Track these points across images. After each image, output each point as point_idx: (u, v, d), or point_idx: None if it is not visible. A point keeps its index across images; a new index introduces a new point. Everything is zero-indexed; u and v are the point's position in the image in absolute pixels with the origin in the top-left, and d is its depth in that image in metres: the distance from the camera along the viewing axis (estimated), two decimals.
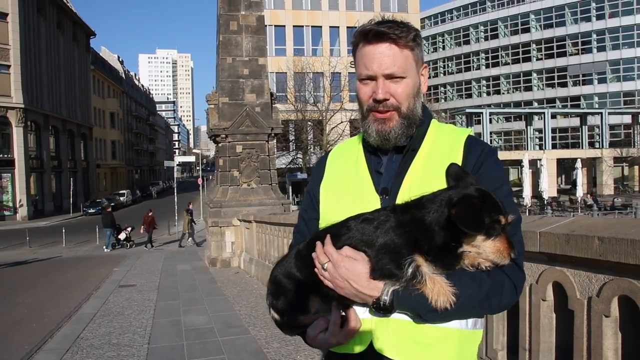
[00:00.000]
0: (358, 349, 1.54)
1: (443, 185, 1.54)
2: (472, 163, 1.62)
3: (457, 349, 1.52)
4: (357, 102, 1.76)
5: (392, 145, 1.68)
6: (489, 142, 52.23)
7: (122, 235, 25.61)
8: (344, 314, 1.52)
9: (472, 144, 1.66)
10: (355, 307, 1.52)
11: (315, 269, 1.50)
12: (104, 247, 24.46)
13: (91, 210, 47.54)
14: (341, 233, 1.50)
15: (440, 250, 1.39)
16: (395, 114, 1.65)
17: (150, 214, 25.93)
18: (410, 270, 1.38)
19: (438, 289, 1.37)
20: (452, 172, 1.56)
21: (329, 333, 1.50)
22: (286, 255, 1.69)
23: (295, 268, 1.58)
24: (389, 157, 1.71)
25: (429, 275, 1.38)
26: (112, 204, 52.43)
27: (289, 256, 1.64)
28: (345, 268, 1.44)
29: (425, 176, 1.62)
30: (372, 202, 1.64)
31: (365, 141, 1.76)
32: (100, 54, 79.37)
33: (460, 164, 1.60)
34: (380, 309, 1.45)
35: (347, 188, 1.73)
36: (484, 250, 1.40)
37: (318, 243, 1.52)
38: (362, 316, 1.52)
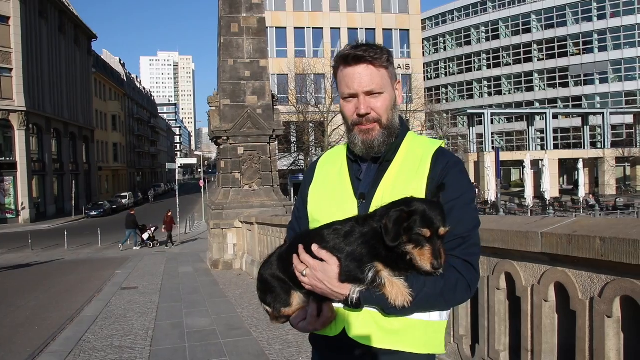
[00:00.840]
0: (332, 333, 1.80)
1: (411, 192, 1.75)
2: (437, 173, 1.82)
3: (423, 337, 1.76)
4: (342, 118, 1.98)
5: (375, 153, 1.91)
6: (490, 143, 52.53)
7: (145, 235, 26.66)
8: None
9: (440, 156, 1.87)
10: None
11: (297, 276, 1.74)
12: (120, 244, 25.71)
13: (93, 213, 47.67)
14: (316, 241, 1.72)
15: (394, 256, 1.62)
16: (377, 125, 1.88)
17: (169, 214, 27.10)
18: (370, 275, 1.62)
19: (396, 291, 1.61)
20: (431, 188, 1.80)
21: (307, 322, 1.78)
22: (270, 256, 1.93)
23: (278, 270, 1.84)
24: (367, 165, 1.95)
25: (388, 279, 1.62)
26: (114, 206, 52.77)
27: (273, 257, 1.90)
28: (321, 271, 1.68)
29: (395, 185, 1.84)
30: (351, 205, 1.89)
31: (348, 150, 2.01)
32: (102, 57, 79.52)
33: (427, 174, 1.82)
34: (349, 305, 1.68)
35: (331, 192, 1.98)
36: (414, 258, 1.61)
37: (295, 256, 1.75)
38: (337, 306, 1.76)
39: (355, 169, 1.96)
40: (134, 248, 25.74)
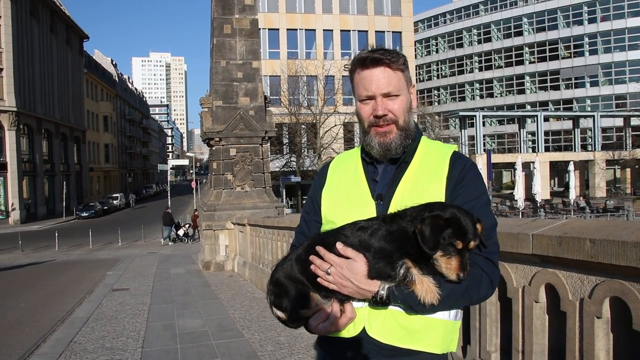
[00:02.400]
0: (351, 333, 1.80)
1: (431, 194, 1.81)
2: (455, 175, 1.87)
3: (441, 337, 1.80)
4: (358, 120, 2.00)
5: (392, 155, 1.92)
6: (482, 145, 52.70)
7: (180, 232, 28.71)
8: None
9: (457, 159, 1.91)
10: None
11: (318, 279, 1.74)
12: (162, 239, 28.11)
13: (84, 214, 47.42)
14: (339, 240, 1.73)
15: (422, 256, 1.64)
16: (394, 126, 1.90)
17: (196, 213, 28.76)
18: (402, 271, 1.65)
19: (426, 288, 1.64)
20: (450, 189, 1.84)
21: (329, 323, 1.77)
22: (284, 259, 1.91)
23: (297, 271, 1.81)
24: (384, 167, 1.96)
25: (418, 277, 1.65)
26: (105, 207, 52.51)
27: (289, 260, 1.87)
28: (348, 269, 1.69)
29: (415, 186, 1.87)
30: (368, 206, 1.90)
31: (363, 152, 2.01)
32: (94, 57, 79.17)
33: (446, 175, 1.86)
34: (378, 302, 1.71)
35: (346, 193, 1.98)
36: (439, 264, 1.64)
37: (314, 257, 1.75)
38: (356, 305, 1.77)
39: (370, 170, 1.98)
40: (169, 243, 27.48)
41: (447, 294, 1.67)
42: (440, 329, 1.79)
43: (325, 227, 1.98)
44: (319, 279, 1.73)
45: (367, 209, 1.88)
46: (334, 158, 2.23)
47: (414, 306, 1.68)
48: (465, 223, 1.63)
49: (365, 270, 1.68)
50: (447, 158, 1.91)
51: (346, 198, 1.96)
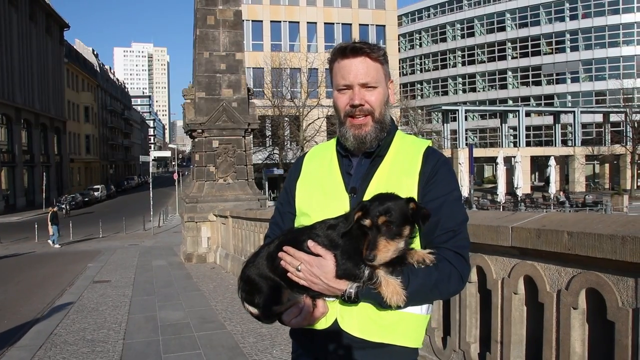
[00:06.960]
0: (323, 326, 1.81)
1: (403, 188, 1.81)
2: (428, 170, 1.87)
3: (412, 330, 1.83)
4: (335, 110, 1.98)
5: (367, 149, 1.92)
6: (464, 139, 53.07)
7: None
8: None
9: (430, 155, 1.91)
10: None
11: (289, 274, 1.73)
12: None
13: (64, 205, 46.77)
14: (312, 238, 1.74)
15: None
16: (370, 118, 1.89)
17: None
18: (367, 272, 1.65)
19: (391, 290, 1.64)
20: (422, 184, 1.86)
21: (301, 318, 1.78)
22: (255, 255, 1.90)
23: (267, 269, 1.81)
24: (358, 160, 1.96)
25: (384, 278, 1.65)
26: (86, 199, 51.92)
27: (260, 257, 1.86)
28: (317, 267, 1.69)
29: (389, 180, 1.87)
30: (342, 199, 1.89)
31: (339, 145, 2.01)
32: (75, 47, 78.03)
33: (419, 170, 1.87)
34: (346, 300, 1.72)
35: (321, 186, 1.97)
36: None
37: (284, 254, 1.75)
38: (329, 299, 1.78)
39: (345, 163, 1.97)
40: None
41: (415, 290, 1.67)
42: (410, 323, 1.82)
43: (299, 219, 1.98)
44: (289, 274, 1.73)
45: (341, 202, 1.87)
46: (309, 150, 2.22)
47: (382, 303, 1.69)
48: (375, 205, 1.64)
49: (334, 269, 1.68)
50: (421, 153, 1.90)
51: (320, 191, 1.96)
